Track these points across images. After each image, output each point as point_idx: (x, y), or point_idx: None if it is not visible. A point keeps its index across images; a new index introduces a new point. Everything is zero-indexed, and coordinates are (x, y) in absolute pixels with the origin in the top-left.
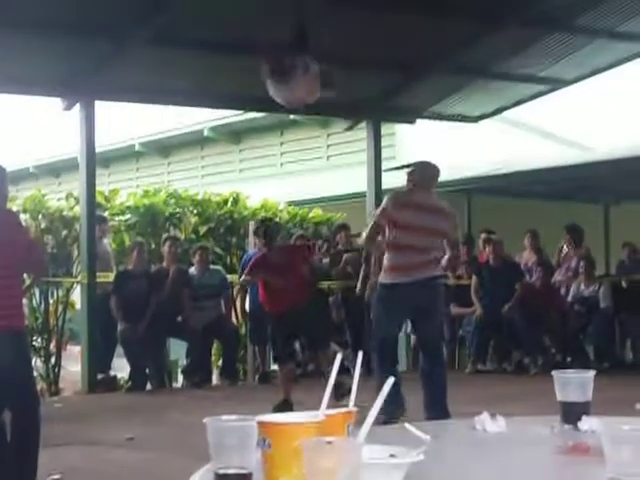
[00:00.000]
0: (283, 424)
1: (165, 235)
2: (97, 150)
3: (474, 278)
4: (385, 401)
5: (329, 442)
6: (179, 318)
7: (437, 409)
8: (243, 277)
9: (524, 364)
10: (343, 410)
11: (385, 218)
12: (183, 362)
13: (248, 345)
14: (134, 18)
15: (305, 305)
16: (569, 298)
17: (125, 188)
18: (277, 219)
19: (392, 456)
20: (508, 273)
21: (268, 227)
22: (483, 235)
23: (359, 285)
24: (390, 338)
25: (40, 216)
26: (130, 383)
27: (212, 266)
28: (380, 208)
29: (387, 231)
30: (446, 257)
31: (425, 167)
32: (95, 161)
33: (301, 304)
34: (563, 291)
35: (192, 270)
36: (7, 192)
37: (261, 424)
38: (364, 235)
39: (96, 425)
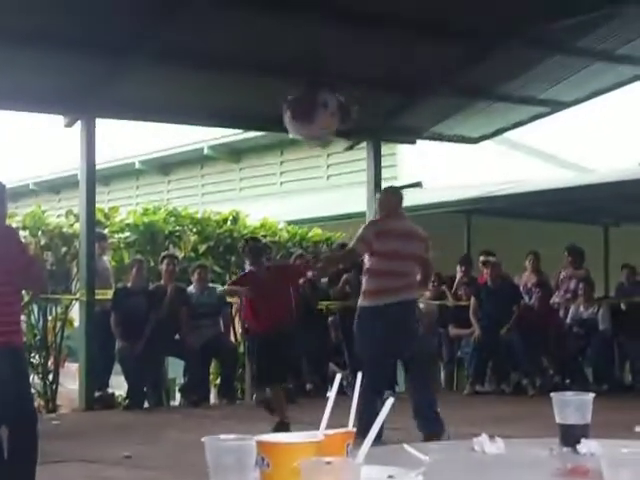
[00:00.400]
0: (282, 443)
1: (163, 253)
2: (97, 167)
3: (473, 299)
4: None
5: (328, 462)
6: (177, 336)
7: (426, 412)
8: (225, 286)
9: (522, 385)
10: (342, 430)
11: (364, 247)
12: (181, 380)
13: (246, 364)
14: (135, 35)
15: (292, 326)
16: (568, 320)
17: (125, 206)
18: (277, 238)
19: (390, 477)
20: (506, 295)
21: (252, 246)
22: (482, 257)
23: None
24: (387, 359)
25: (40, 233)
26: (128, 401)
27: (211, 284)
28: (358, 236)
29: (365, 258)
30: (419, 277)
31: (392, 193)
32: (95, 178)
33: (288, 325)
34: (562, 313)
35: (191, 289)
36: (6, 209)
37: (260, 443)
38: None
39: (93, 443)
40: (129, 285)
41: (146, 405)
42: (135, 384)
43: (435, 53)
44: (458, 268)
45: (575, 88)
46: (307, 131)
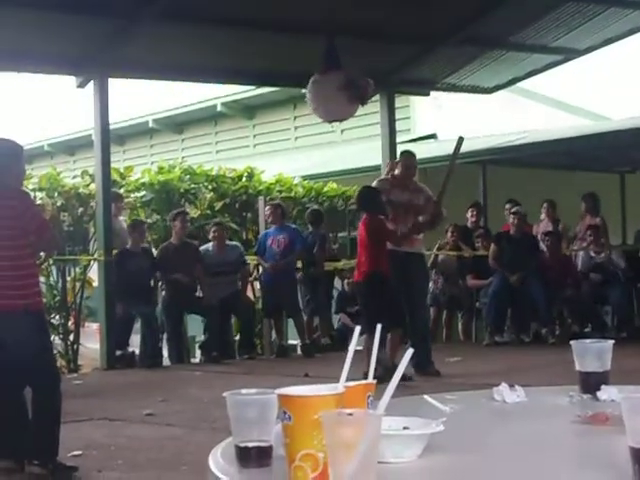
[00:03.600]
0: (303, 396)
1: (174, 211)
2: (111, 127)
3: (492, 246)
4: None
5: (350, 414)
6: (197, 293)
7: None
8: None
9: (542, 335)
10: (363, 382)
11: None
12: (201, 338)
13: (263, 319)
14: None
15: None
16: (579, 267)
17: (140, 165)
18: (292, 193)
19: (405, 428)
20: (527, 244)
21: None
22: (508, 205)
23: None
24: None
25: (56, 194)
26: (146, 359)
27: (230, 242)
28: None
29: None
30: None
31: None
32: (110, 138)
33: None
34: (576, 260)
35: (209, 246)
36: (22, 171)
37: (281, 397)
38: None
39: (115, 401)
40: (128, 247)
41: (167, 363)
42: (151, 342)
43: (447, 3)
44: (469, 213)
45: (588, 35)
46: (351, 112)
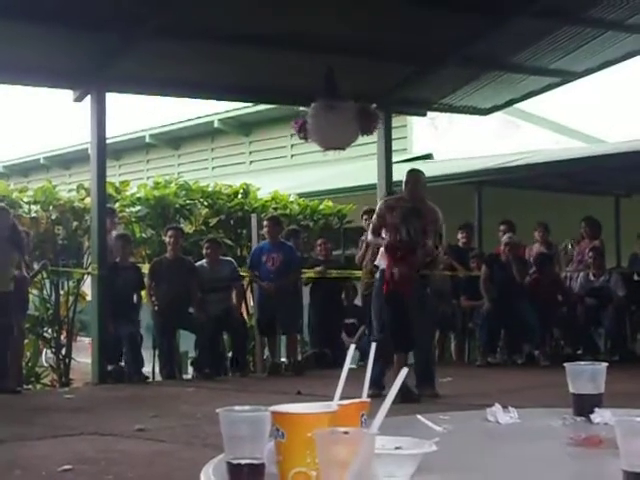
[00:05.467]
0: (296, 414)
1: (167, 226)
2: (108, 141)
3: (484, 269)
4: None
5: (344, 432)
6: (190, 310)
7: None
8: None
9: (534, 356)
10: (357, 400)
11: None
12: (193, 354)
13: (256, 337)
14: (144, 9)
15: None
16: (576, 289)
17: (136, 180)
18: (287, 211)
19: (398, 448)
20: (518, 267)
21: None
22: (502, 226)
23: None
24: None
25: (51, 207)
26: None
27: (223, 257)
28: None
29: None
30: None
31: None
32: (106, 152)
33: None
34: (573, 283)
35: (203, 263)
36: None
37: (274, 414)
38: None
39: (106, 416)
40: (117, 260)
41: (158, 378)
42: (134, 360)
43: (446, 24)
44: (459, 234)
45: (586, 58)
46: (352, 143)
